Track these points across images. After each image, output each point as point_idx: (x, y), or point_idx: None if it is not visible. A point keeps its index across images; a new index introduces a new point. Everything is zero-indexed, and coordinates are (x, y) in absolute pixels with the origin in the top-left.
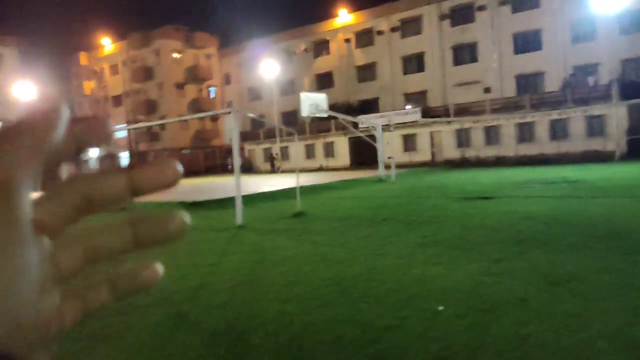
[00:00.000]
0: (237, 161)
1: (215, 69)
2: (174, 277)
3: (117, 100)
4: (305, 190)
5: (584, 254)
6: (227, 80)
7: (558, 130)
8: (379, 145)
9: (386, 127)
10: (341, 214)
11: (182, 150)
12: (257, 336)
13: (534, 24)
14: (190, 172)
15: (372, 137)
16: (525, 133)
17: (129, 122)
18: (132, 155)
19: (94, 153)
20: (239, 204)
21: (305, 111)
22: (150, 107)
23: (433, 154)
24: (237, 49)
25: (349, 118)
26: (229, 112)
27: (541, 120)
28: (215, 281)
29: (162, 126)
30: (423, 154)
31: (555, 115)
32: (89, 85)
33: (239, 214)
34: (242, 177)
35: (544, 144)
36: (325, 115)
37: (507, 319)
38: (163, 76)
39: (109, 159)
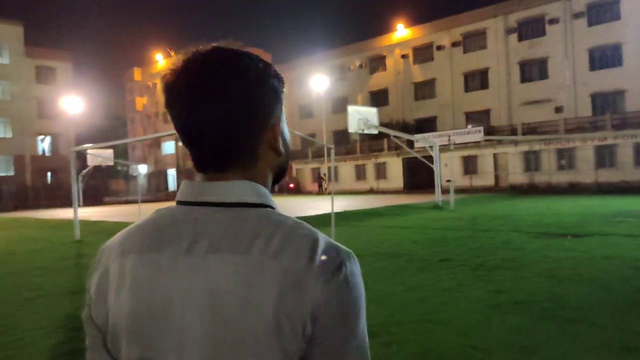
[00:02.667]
0: None
1: None
2: None
3: (167, 116)
4: (348, 216)
5: None
6: None
7: None
8: (435, 167)
9: (445, 147)
10: (387, 249)
11: None
12: None
13: (614, 38)
14: None
15: (429, 158)
16: (604, 157)
17: (177, 139)
18: (179, 173)
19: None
20: None
21: (353, 127)
22: None
23: (497, 178)
24: (289, 66)
25: (403, 135)
26: None
27: (624, 143)
28: None
29: None
30: (485, 178)
31: None
32: (141, 101)
33: None
34: (287, 198)
35: (627, 170)
36: (375, 131)
37: None
38: None
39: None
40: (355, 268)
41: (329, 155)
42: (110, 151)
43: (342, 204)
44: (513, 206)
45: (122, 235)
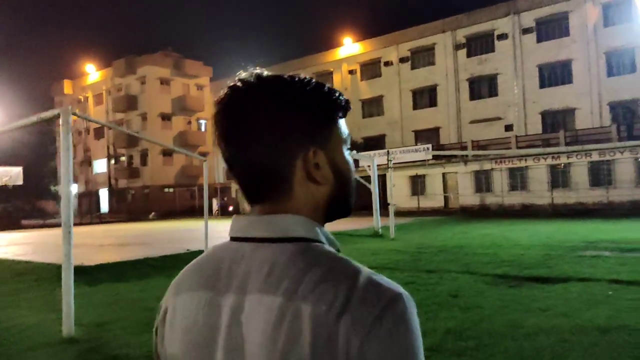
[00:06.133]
0: (66, 202)
1: (208, 100)
2: None
3: (99, 132)
4: None
5: None
6: None
7: (601, 175)
8: (373, 188)
9: (385, 165)
10: None
11: (165, 189)
12: None
13: (564, 54)
14: (172, 214)
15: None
16: (558, 177)
17: (109, 156)
18: (111, 193)
19: (75, 190)
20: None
21: None
22: (132, 140)
23: (446, 200)
24: (232, 81)
25: None
26: (58, 115)
27: (578, 162)
28: None
29: (144, 162)
30: (434, 199)
31: (596, 156)
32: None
33: (67, 312)
34: (217, 222)
35: (582, 191)
36: None
37: None
38: (147, 106)
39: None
40: (405, 315)
41: None
42: (19, 169)
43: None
44: (463, 233)
45: (182, 272)
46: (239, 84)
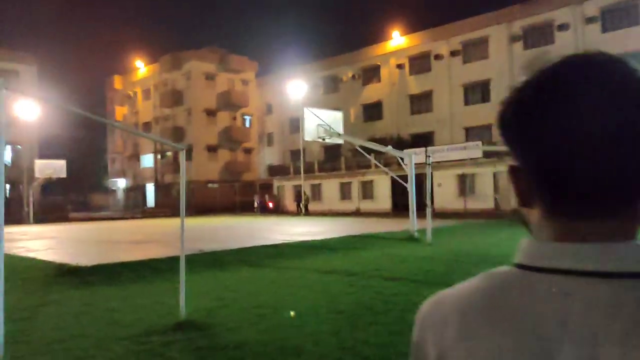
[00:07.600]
0: None
1: (254, 96)
2: None
3: (147, 127)
4: (288, 251)
5: None
6: (268, 109)
7: None
8: (410, 187)
9: (437, 165)
10: (273, 330)
11: (209, 184)
12: None
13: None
14: (212, 210)
15: (419, 176)
16: None
17: (156, 152)
18: (157, 187)
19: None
20: None
21: (311, 134)
22: (178, 135)
23: (496, 202)
24: (277, 76)
25: (374, 147)
26: None
27: None
28: None
29: (189, 157)
30: (484, 201)
31: None
32: (121, 111)
33: None
34: (257, 219)
35: None
36: (340, 141)
37: None
38: (192, 101)
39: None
40: None
41: (313, 171)
42: (63, 162)
43: (303, 229)
44: (511, 240)
45: (456, 308)
46: (588, 57)
